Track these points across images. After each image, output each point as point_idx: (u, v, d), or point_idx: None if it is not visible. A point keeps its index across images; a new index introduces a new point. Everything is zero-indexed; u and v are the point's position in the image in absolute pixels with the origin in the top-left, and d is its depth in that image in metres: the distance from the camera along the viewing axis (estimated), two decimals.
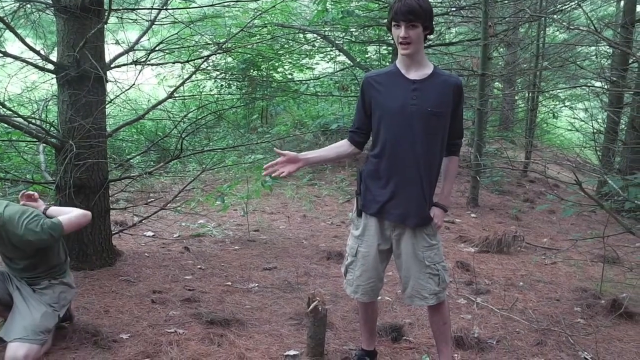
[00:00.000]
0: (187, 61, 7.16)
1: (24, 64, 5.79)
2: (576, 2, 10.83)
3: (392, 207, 3.69)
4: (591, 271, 6.90)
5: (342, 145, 3.92)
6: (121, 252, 6.59)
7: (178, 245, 7.25)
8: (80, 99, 5.79)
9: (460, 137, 3.81)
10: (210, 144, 11.94)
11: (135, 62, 6.31)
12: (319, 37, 13.49)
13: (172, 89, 6.71)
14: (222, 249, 7.22)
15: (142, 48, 6.67)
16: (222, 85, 14.99)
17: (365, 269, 3.87)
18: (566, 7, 11.94)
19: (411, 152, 3.58)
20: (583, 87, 12.17)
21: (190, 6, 7.11)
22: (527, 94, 16.24)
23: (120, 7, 6.70)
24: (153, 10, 6.69)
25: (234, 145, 9.43)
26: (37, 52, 5.78)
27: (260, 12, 9.82)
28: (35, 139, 5.89)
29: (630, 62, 11.03)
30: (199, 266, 6.45)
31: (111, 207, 6.45)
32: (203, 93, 12.97)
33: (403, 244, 3.77)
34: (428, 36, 3.61)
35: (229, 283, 5.95)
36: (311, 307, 4.06)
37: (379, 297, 5.12)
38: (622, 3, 13.32)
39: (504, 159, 12.33)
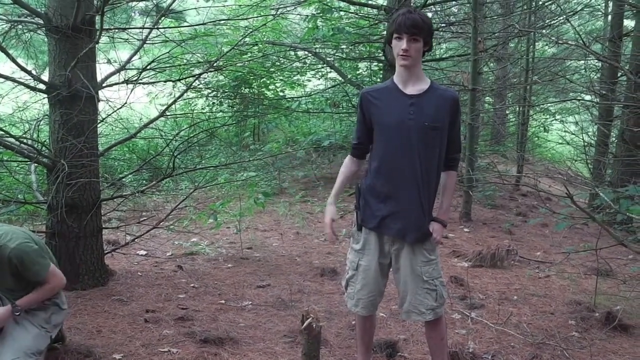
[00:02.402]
0: (179, 79, 7.18)
1: (16, 84, 5.79)
2: (564, 17, 10.90)
3: (391, 221, 3.70)
4: (584, 284, 6.91)
5: (350, 165, 4.00)
6: (114, 271, 6.57)
7: (171, 264, 7.23)
8: (71, 119, 5.79)
9: (458, 151, 3.81)
10: (203, 162, 11.93)
11: (127, 81, 6.32)
12: (310, 55, 13.53)
13: (163, 108, 6.72)
14: (215, 267, 7.21)
15: (133, 67, 6.67)
16: (213, 103, 15.00)
17: (366, 283, 3.87)
18: (555, 22, 12.04)
19: (409, 167, 3.59)
20: (573, 100, 12.23)
21: (182, 25, 7.13)
22: (517, 108, 16.31)
23: (112, 27, 6.72)
24: (144, 29, 6.70)
25: (227, 162, 9.42)
26: (29, 72, 5.78)
27: (251, 30, 9.85)
28: (27, 159, 5.88)
29: (619, 75, 11.10)
30: (192, 285, 6.43)
31: (103, 226, 6.43)
32: (195, 111, 12.98)
33: (402, 258, 3.77)
34: (425, 52, 3.65)
35: (223, 301, 5.93)
36: (305, 324, 4.05)
37: None
38: (609, 18, 13.42)
39: (496, 173, 12.36)
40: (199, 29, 9.52)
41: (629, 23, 13.66)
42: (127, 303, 5.74)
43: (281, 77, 15.34)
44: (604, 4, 15.82)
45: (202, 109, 14.49)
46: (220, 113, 13.83)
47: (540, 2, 13.05)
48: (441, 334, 3.92)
